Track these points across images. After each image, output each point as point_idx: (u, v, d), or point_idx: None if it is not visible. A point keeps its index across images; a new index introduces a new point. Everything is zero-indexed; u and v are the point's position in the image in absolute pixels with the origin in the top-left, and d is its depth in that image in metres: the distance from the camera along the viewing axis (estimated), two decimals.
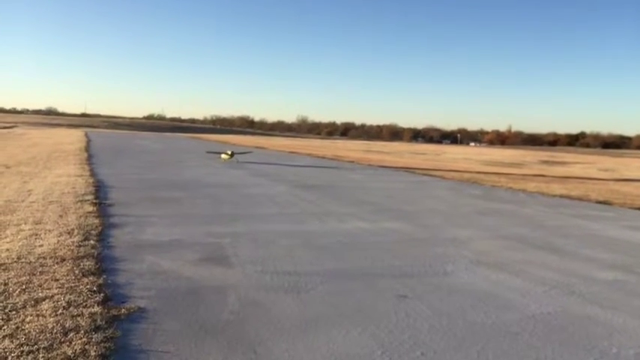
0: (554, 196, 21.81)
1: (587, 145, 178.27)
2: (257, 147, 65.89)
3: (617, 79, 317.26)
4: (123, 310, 6.16)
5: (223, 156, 29.24)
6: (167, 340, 5.45)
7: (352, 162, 40.77)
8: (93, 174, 21.29)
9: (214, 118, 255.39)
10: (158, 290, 7.01)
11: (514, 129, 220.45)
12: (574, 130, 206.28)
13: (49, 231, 10.12)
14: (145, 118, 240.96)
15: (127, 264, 8.19)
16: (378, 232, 11.89)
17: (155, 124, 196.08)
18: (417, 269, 8.79)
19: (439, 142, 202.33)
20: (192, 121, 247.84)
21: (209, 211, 13.87)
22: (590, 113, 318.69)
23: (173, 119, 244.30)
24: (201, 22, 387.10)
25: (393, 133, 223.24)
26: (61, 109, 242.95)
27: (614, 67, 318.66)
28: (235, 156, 29.85)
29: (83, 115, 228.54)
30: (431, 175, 30.25)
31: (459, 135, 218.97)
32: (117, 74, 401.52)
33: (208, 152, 33.72)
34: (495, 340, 5.88)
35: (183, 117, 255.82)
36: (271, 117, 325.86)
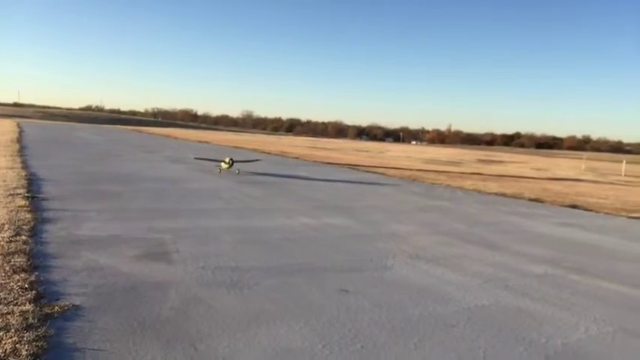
0: (490, 193, 22.70)
1: (522, 145, 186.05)
2: (200, 141, 64.84)
3: (551, 82, 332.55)
4: (56, 307, 5.94)
5: (223, 165, 23.29)
6: (103, 338, 5.31)
7: (297, 158, 40.86)
8: (26, 166, 20.33)
9: (156, 110, 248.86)
10: (95, 287, 6.80)
11: (454, 128, 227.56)
12: (510, 131, 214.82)
13: None
14: (82, 109, 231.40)
15: (61, 260, 7.89)
16: (322, 228, 12.00)
17: (93, 116, 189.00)
18: (358, 264, 8.95)
19: (382, 139, 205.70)
20: (133, 113, 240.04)
21: (150, 205, 13.55)
22: (526, 114, 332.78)
23: (112, 111, 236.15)
24: (142, 13, 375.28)
25: (339, 131, 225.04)
26: None
27: (548, 70, 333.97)
28: (235, 165, 23.46)
29: (15, 104, 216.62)
30: (374, 173, 30.76)
31: (401, 133, 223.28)
32: (52, 63, 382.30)
33: (197, 159, 26.71)
34: (432, 331, 6.08)
35: (122, 109, 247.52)
36: (215, 111, 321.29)
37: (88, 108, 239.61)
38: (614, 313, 7.21)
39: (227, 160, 23.49)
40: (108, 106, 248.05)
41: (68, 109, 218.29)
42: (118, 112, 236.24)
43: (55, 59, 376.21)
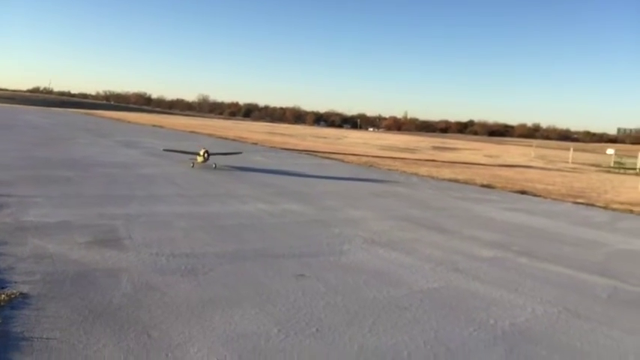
0: (444, 179, 23.22)
1: (476, 133, 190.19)
2: (154, 125, 63.45)
3: (503, 71, 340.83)
4: (3, 295, 5.74)
5: (198, 158, 20.58)
6: (53, 326, 5.17)
7: (255, 144, 40.56)
8: None
9: (108, 93, 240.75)
10: (43, 274, 6.60)
11: (410, 116, 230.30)
12: (464, 119, 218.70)
13: None
14: (29, 91, 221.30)
15: (7, 247, 7.61)
16: (279, 214, 11.99)
17: (41, 98, 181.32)
18: (314, 249, 9.01)
19: (340, 126, 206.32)
20: (84, 95, 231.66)
21: (101, 191, 13.20)
22: (479, 102, 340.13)
23: (62, 93, 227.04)
24: None
25: (297, 116, 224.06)
26: None
27: (501, 59, 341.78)
28: (211, 158, 20.85)
29: None
30: (332, 159, 30.93)
31: (358, 120, 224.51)
32: None
33: (166, 150, 23.74)
34: (386, 314, 6.21)
35: (73, 91, 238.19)
36: (170, 94, 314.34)
37: (36, 90, 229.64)
38: (559, 295, 7.53)
39: (202, 152, 20.75)
40: (57, 89, 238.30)
41: (14, 90, 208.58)
42: (68, 94, 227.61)
43: None
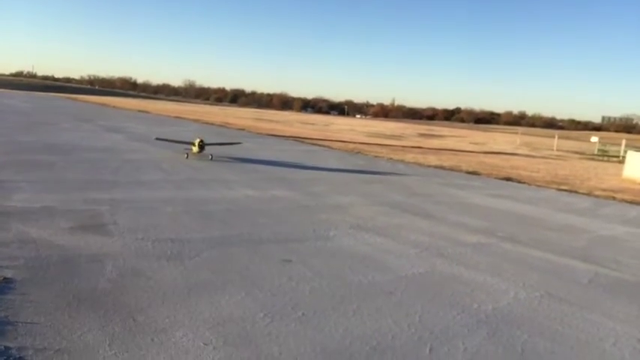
0: (430, 166, 23.33)
1: (462, 120, 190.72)
2: (140, 111, 62.81)
3: (490, 59, 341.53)
4: None
5: (193, 148, 19.22)
6: (37, 311, 5.14)
7: (242, 130, 40.39)
8: None
9: (92, 77, 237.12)
10: (27, 260, 6.55)
11: (397, 103, 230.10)
12: (451, 106, 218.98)
13: None
14: (12, 75, 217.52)
15: None
16: (266, 200, 11.99)
17: (25, 83, 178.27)
18: (301, 234, 9.04)
19: (327, 112, 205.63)
20: (68, 80, 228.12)
21: (86, 176, 13.07)
22: (466, 90, 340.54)
23: (45, 77, 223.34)
24: None
25: (284, 103, 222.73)
26: None
27: (487, 47, 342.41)
28: (207, 148, 19.59)
29: None
30: (319, 145, 30.91)
31: (346, 107, 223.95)
32: None
33: (158, 139, 21.02)
34: (371, 298, 6.26)
35: (56, 75, 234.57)
36: (156, 79, 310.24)
37: (19, 74, 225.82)
38: (541, 279, 7.65)
39: (197, 141, 19.35)
40: (40, 73, 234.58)
41: None
42: (52, 78, 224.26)
43: None
